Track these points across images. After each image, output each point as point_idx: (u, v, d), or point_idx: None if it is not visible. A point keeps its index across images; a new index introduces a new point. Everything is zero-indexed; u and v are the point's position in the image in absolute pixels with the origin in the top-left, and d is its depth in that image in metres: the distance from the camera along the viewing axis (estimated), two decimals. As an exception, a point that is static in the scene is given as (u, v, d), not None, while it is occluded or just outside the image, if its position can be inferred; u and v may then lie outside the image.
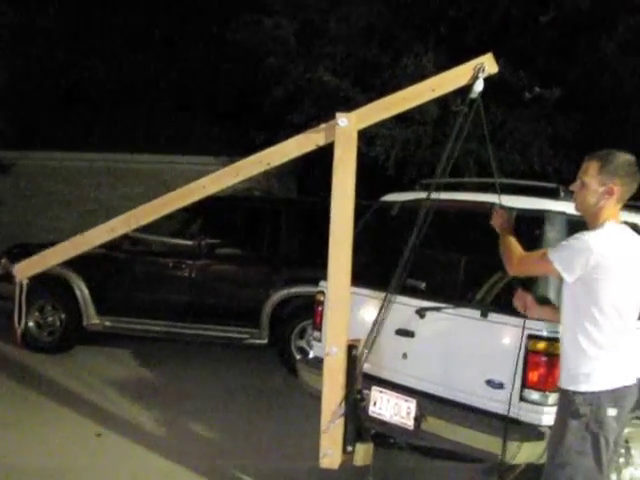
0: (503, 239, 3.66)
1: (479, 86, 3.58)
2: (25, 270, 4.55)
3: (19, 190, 14.25)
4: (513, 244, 3.58)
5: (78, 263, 8.34)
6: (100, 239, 4.35)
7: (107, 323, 8.30)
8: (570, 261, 3.13)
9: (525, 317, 3.77)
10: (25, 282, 4.58)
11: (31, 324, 8.40)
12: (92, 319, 8.30)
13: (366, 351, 4.02)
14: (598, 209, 3.22)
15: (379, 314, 3.99)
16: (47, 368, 7.67)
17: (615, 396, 3.17)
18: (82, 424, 5.98)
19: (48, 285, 8.54)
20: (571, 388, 3.22)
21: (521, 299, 3.72)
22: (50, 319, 8.44)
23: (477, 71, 3.59)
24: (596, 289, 3.11)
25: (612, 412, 3.15)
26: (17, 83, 12.19)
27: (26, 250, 9.15)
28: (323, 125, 3.90)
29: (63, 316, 8.39)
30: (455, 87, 3.75)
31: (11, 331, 8.34)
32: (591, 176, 3.21)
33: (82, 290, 8.30)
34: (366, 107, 3.94)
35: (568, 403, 3.22)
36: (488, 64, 3.61)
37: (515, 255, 3.51)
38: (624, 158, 3.22)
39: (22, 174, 14.14)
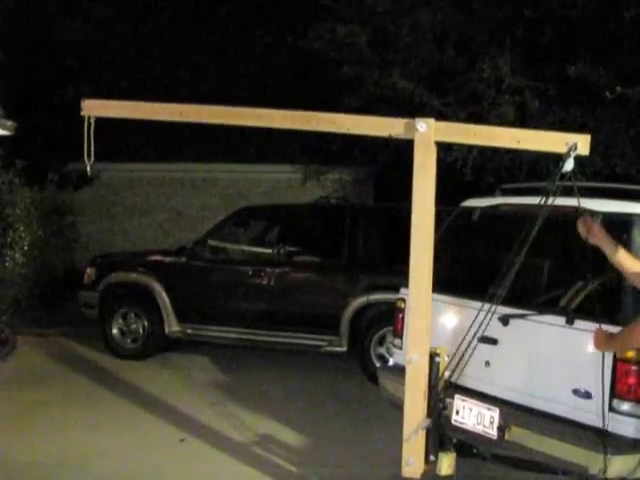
0: (617, 346, 3.54)
1: (569, 165, 3.46)
2: (93, 108, 4.49)
3: (101, 201, 14.67)
4: (627, 335, 3.37)
5: (160, 272, 8.64)
6: (167, 115, 4.38)
7: (188, 331, 8.47)
8: None
9: (616, 324, 3.62)
10: (92, 120, 4.47)
11: (115, 331, 8.67)
12: (173, 326, 8.49)
13: (456, 361, 3.95)
14: None
15: (480, 324, 3.80)
16: (131, 374, 7.87)
17: None
18: (166, 429, 6.12)
19: (131, 293, 8.80)
20: None
21: (586, 224, 3.56)
22: (133, 326, 8.67)
23: (569, 148, 3.46)
24: None
25: None
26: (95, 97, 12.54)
27: (108, 259, 9.50)
28: (403, 120, 3.87)
29: (146, 323, 8.60)
30: (540, 149, 3.65)
31: (96, 338, 8.74)
32: None
33: (163, 298, 8.49)
34: (447, 123, 3.88)
35: None
36: (582, 145, 3.47)
37: None
38: None
39: (104, 185, 14.55)
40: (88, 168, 4.43)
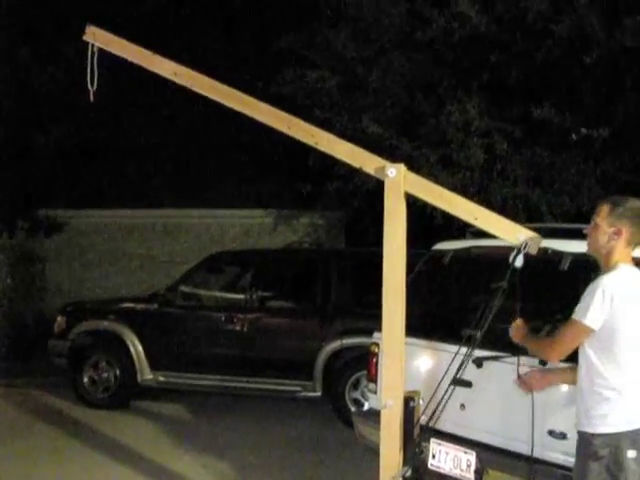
0: (529, 345, 3.65)
1: (519, 262, 3.55)
2: (96, 36, 4.29)
3: (71, 248, 14.54)
4: (538, 341, 3.60)
5: (131, 319, 8.55)
6: (162, 70, 4.27)
7: (161, 378, 8.37)
8: (594, 311, 3.18)
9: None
10: (97, 48, 4.28)
11: (86, 380, 8.53)
12: (146, 375, 8.38)
13: (431, 405, 3.93)
14: (609, 250, 3.35)
15: (458, 369, 3.77)
16: (102, 424, 7.73)
17: (634, 438, 3.16)
18: (138, 480, 5.99)
19: (102, 341, 8.70)
20: (589, 430, 3.22)
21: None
22: (104, 375, 8.54)
23: (521, 246, 3.55)
24: (615, 330, 3.18)
25: (632, 454, 3.14)
26: (67, 143, 12.49)
27: (79, 307, 9.39)
28: (377, 158, 3.89)
29: (117, 372, 8.48)
30: (493, 232, 3.71)
31: (67, 388, 8.59)
32: (602, 218, 3.37)
33: (135, 346, 8.40)
34: (417, 177, 3.89)
35: (587, 445, 3.22)
36: (533, 245, 3.56)
37: (547, 346, 3.48)
38: (634, 203, 3.38)
39: (75, 232, 14.44)
40: (91, 95, 4.32)
